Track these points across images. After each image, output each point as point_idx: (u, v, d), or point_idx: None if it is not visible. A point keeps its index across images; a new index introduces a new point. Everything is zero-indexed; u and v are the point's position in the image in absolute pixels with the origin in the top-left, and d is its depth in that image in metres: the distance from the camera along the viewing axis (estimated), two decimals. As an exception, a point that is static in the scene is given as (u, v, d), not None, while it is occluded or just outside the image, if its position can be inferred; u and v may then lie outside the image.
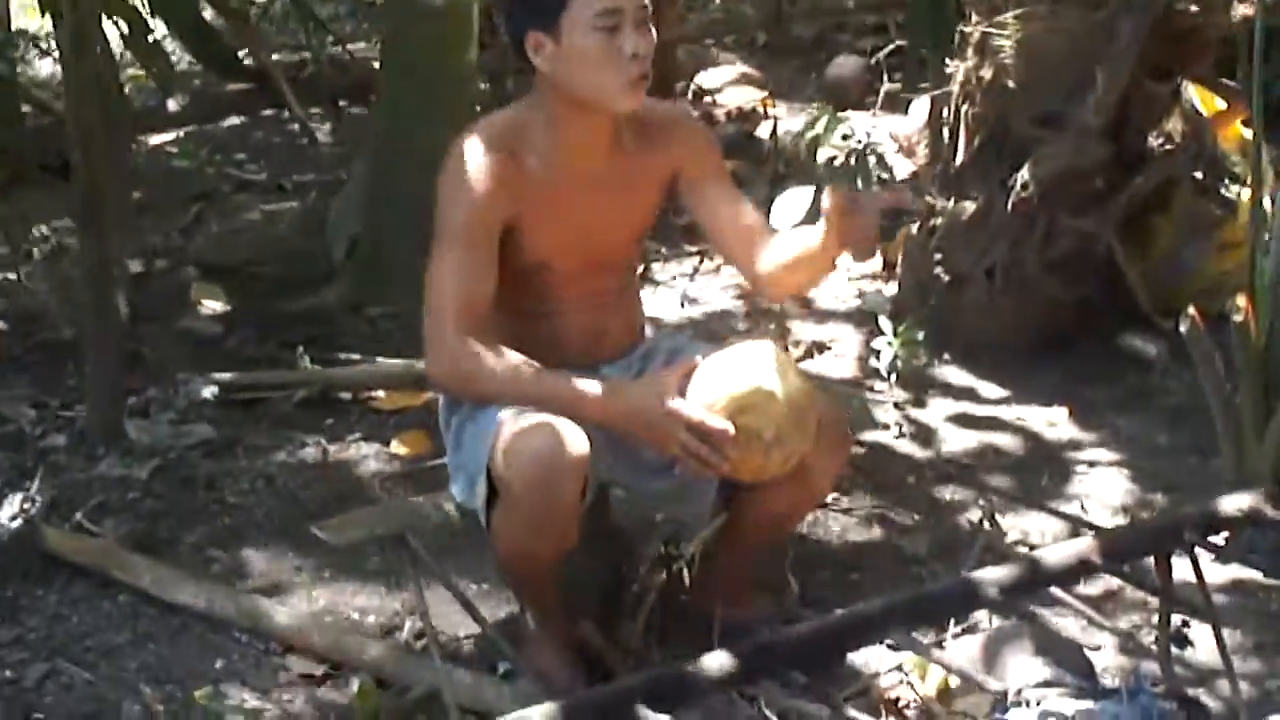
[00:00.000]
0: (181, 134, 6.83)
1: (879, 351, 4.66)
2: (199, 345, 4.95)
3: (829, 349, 4.91)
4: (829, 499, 3.85)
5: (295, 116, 5.35)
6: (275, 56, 6.09)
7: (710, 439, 2.84)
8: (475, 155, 2.99)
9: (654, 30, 2.95)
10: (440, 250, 2.99)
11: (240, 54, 5.66)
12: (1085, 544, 3.00)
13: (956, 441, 4.31)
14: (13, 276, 5.47)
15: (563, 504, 2.88)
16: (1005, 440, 4.33)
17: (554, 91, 2.99)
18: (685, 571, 3.42)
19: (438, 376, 3.03)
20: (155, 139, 6.95)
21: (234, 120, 6.78)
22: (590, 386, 2.95)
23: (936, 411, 4.50)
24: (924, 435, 4.35)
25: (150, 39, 5.18)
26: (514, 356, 2.96)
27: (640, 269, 3.36)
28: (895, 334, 4.59)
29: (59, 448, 4.25)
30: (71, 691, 3.27)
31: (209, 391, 4.52)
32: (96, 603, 3.56)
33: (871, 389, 4.58)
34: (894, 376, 4.60)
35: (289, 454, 4.25)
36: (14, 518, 3.88)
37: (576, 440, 2.86)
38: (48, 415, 4.44)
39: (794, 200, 4.80)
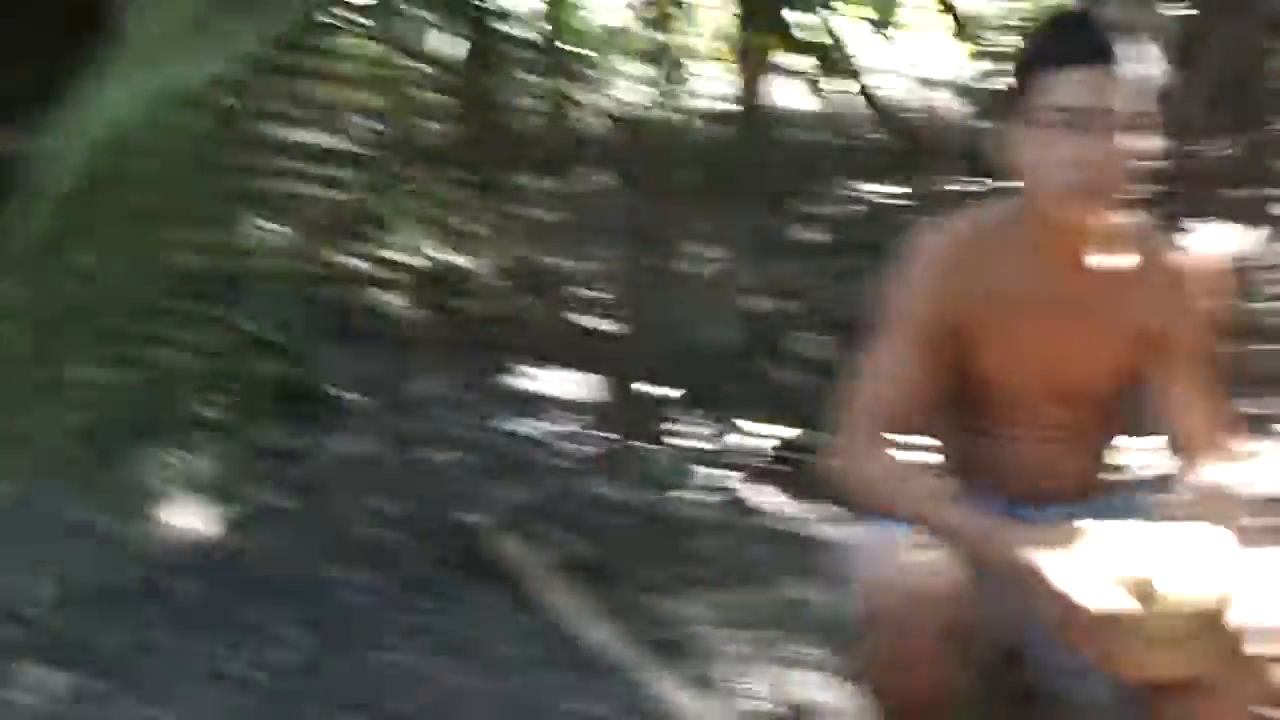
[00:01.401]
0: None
1: None
2: (779, 397, 4.74)
3: None
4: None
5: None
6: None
7: (1082, 617, 2.36)
8: (934, 248, 2.65)
9: (1141, 146, 2.49)
10: (875, 342, 2.66)
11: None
12: None
13: None
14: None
15: (920, 640, 2.45)
16: None
17: (1022, 190, 2.60)
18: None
19: (833, 474, 2.68)
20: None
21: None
22: (978, 521, 2.50)
23: None
24: None
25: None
26: (913, 471, 2.60)
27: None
28: None
29: (574, 456, 4.21)
30: (432, 691, 3.14)
31: (764, 443, 4.35)
32: (509, 614, 3.45)
33: None
34: None
35: (792, 524, 3.98)
36: (488, 511, 3.85)
37: (946, 574, 2.43)
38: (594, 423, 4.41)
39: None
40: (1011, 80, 2.57)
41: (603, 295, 5.35)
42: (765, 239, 5.43)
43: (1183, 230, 5.45)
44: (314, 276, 4.61)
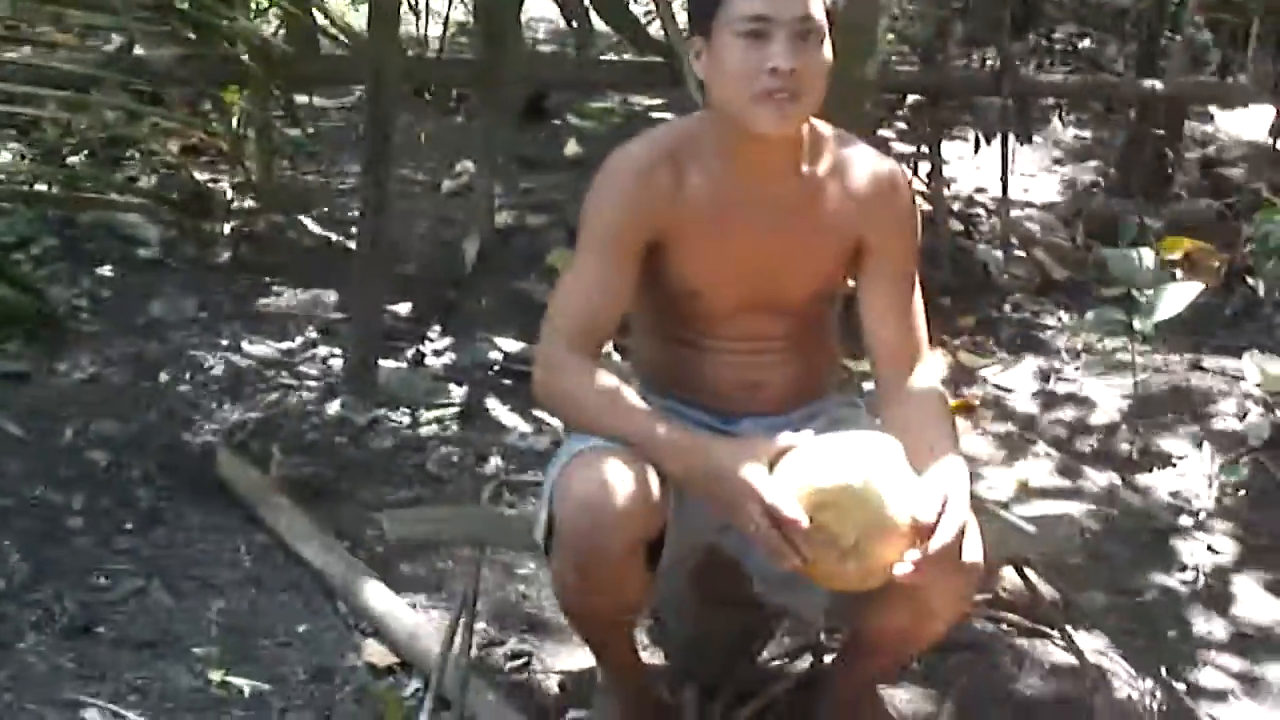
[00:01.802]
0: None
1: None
2: (525, 310, 4.78)
3: (1173, 465, 4.25)
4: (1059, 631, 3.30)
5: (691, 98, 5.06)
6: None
7: (783, 528, 2.43)
8: (628, 165, 2.67)
9: (827, 52, 2.55)
10: (575, 260, 2.70)
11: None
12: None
13: (1256, 607, 3.61)
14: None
15: (607, 556, 2.51)
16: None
17: (712, 104, 2.63)
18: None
19: (536, 389, 2.73)
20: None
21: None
22: (679, 435, 2.56)
23: (1259, 566, 3.78)
24: (1218, 594, 3.66)
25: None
26: (614, 384, 2.61)
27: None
28: (1226, 465, 3.93)
29: (312, 376, 4.20)
30: (146, 614, 3.19)
31: (494, 356, 4.37)
32: (231, 535, 3.49)
33: (1195, 524, 3.92)
34: (1204, 515, 3.92)
35: (523, 438, 4.04)
36: (220, 433, 3.85)
37: (637, 490, 2.49)
38: (335, 342, 4.40)
39: (1177, 295, 4.24)
40: None
41: (349, 212, 5.32)
42: (516, 152, 5.44)
43: (936, 140, 5.58)
44: (52, 198, 4.53)
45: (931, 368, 2.77)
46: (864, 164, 2.73)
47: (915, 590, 2.49)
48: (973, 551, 2.54)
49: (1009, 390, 4.70)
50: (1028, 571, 3.31)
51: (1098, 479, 4.14)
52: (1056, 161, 6.92)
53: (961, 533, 2.45)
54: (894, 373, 2.71)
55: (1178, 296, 4.24)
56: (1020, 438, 4.38)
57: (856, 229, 2.71)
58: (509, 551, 3.39)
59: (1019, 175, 6.53)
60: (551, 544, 2.62)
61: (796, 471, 2.46)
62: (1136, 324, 4.26)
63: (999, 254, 5.57)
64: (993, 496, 3.96)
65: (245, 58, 4.69)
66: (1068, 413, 4.56)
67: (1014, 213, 5.94)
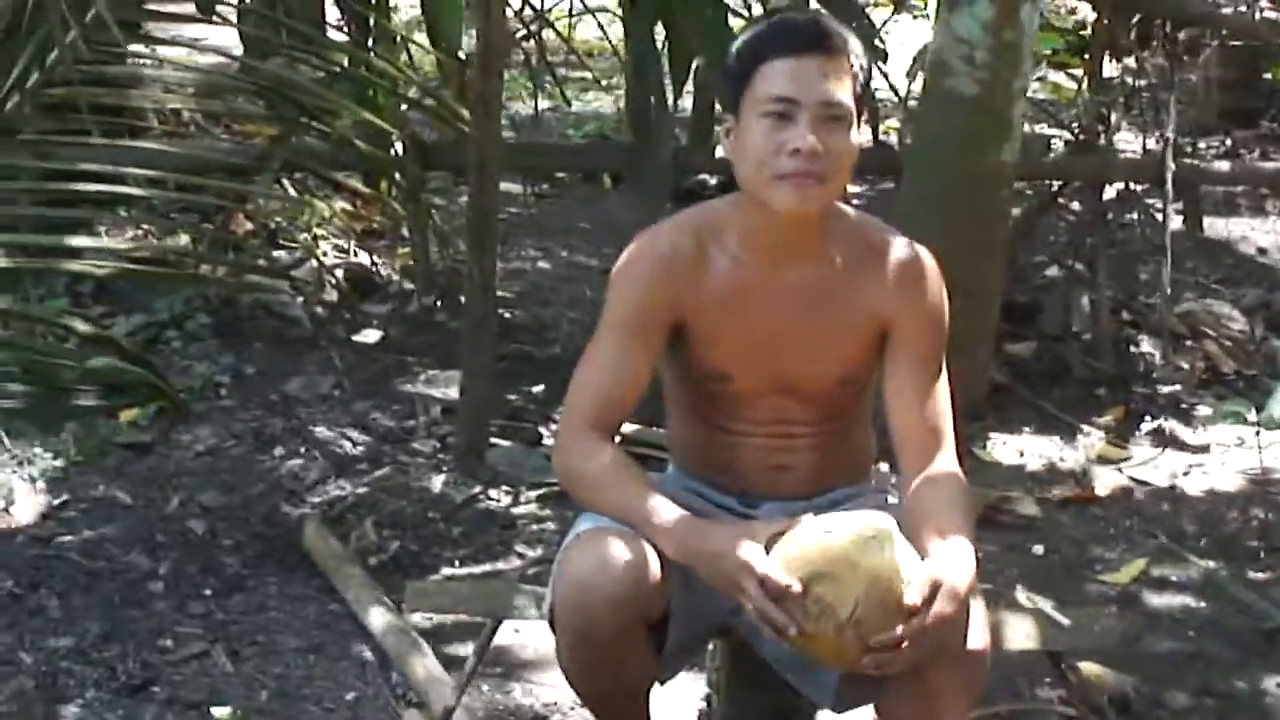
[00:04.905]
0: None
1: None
2: (658, 392, 4.81)
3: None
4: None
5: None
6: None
7: (780, 601, 2.42)
8: (653, 245, 2.70)
9: (853, 137, 2.55)
10: (595, 338, 2.73)
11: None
12: None
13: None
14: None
15: (598, 636, 2.54)
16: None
17: (739, 184, 2.66)
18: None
19: (555, 467, 2.79)
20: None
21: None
22: (677, 516, 2.57)
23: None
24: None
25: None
26: (622, 464, 2.64)
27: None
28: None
29: (423, 453, 4.31)
30: (206, 677, 3.31)
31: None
32: (306, 604, 3.60)
33: None
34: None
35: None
36: (319, 506, 3.98)
37: (631, 570, 2.51)
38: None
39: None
40: (726, 75, 2.62)
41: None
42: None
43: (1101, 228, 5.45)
44: (212, 280, 4.76)
45: (951, 456, 2.73)
46: (892, 249, 2.71)
47: (921, 676, 2.46)
48: (976, 639, 2.50)
49: (1143, 483, 4.56)
50: (1079, 665, 3.23)
51: (1214, 574, 3.99)
52: (1261, 251, 6.70)
53: (956, 618, 2.41)
54: (914, 460, 2.68)
55: (1303, 399, 4.07)
56: (1143, 530, 4.25)
57: (882, 314, 2.69)
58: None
59: (1217, 265, 6.36)
60: (555, 630, 2.66)
61: (792, 546, 2.44)
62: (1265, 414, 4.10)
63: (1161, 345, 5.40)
64: (1103, 588, 3.89)
65: (398, 148, 4.86)
66: (1198, 507, 4.40)
67: (1192, 304, 5.77)
